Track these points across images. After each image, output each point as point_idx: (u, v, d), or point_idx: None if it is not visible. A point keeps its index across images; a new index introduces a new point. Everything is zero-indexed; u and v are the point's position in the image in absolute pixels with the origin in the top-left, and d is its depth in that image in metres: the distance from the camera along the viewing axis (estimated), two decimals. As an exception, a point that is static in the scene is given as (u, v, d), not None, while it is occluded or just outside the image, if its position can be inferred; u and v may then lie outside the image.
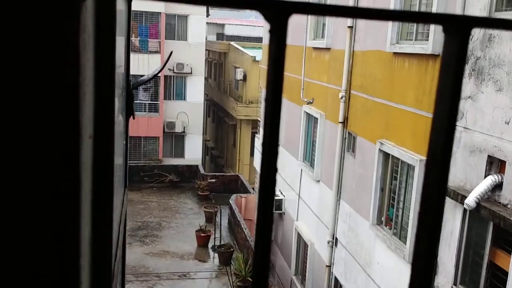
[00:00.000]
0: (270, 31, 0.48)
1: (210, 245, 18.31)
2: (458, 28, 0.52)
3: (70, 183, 0.49)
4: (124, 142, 1.62)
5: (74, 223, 0.51)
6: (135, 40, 25.86)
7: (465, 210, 6.59)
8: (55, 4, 0.45)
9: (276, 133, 0.49)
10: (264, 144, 0.49)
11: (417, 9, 8.27)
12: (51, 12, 0.45)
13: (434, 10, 7.51)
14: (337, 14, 0.49)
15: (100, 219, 0.68)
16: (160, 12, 25.47)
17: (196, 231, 18.50)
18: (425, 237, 0.52)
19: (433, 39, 7.51)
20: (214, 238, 18.16)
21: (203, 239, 18.30)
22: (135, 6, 26.55)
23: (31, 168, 0.47)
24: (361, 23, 10.16)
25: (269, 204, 0.49)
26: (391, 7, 8.73)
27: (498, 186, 6.13)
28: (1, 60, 0.45)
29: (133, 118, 1.67)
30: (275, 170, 0.48)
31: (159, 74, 25.80)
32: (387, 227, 9.09)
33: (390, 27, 8.82)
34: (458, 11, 6.96)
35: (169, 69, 26.32)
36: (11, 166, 0.47)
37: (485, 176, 6.27)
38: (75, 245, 0.52)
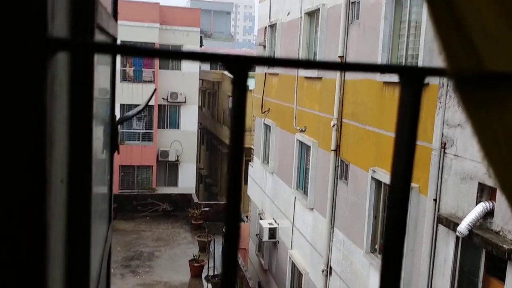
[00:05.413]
0: (233, 82, 0.52)
1: (203, 275, 18.08)
2: (412, 78, 0.55)
3: (36, 228, 0.50)
4: (109, 176, 1.63)
5: (40, 269, 0.52)
6: (129, 70, 26.08)
7: (457, 237, 6.58)
8: (21, 58, 0.48)
9: (239, 179, 0.51)
10: (229, 190, 0.51)
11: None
12: (15, 65, 0.48)
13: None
14: (293, 66, 0.52)
15: (76, 264, 0.69)
16: (154, 43, 25.78)
17: (189, 261, 18.29)
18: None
19: (422, 68, 7.62)
20: (208, 268, 17.95)
21: (196, 269, 18.08)
22: (129, 37, 26.57)
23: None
24: (352, 53, 10.32)
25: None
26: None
27: (489, 213, 6.14)
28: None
29: (118, 153, 1.69)
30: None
31: (153, 104, 25.93)
32: (381, 255, 9.02)
33: (380, 56, 8.96)
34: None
35: (163, 98, 26.49)
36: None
37: (477, 203, 6.29)
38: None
